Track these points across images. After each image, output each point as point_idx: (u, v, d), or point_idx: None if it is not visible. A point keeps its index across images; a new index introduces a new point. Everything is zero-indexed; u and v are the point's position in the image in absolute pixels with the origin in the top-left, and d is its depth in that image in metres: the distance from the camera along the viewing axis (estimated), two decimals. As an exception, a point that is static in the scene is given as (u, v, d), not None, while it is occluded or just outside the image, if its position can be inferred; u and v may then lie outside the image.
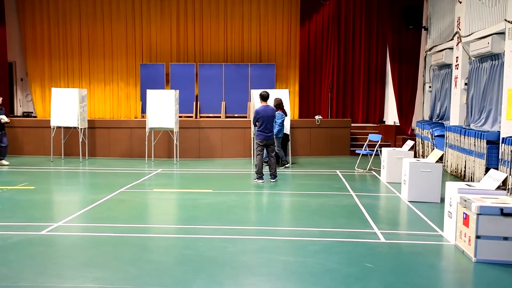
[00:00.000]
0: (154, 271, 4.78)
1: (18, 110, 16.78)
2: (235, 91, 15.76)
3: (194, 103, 15.79)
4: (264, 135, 9.70)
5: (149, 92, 12.82)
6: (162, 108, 12.64)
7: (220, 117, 15.55)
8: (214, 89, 15.79)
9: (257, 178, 9.79)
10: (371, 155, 11.68)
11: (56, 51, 16.47)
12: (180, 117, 13.97)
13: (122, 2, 16.32)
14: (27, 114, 16.37)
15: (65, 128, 13.29)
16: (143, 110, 15.29)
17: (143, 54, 16.47)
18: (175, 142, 12.97)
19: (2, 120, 11.85)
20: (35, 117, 16.31)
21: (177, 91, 13.13)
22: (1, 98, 12.24)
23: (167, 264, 4.99)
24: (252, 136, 12.70)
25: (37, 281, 4.52)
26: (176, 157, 12.99)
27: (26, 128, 14.11)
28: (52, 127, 13.05)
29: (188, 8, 16.26)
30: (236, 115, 15.66)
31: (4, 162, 12.02)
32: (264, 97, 9.82)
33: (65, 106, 12.86)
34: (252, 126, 12.26)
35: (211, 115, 15.70)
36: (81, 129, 12.98)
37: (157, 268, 4.86)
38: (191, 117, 15.52)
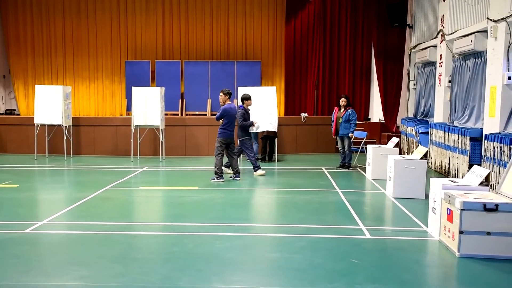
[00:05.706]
0: (140, 268, 4.76)
1: (1, 107, 16.53)
2: (221, 89, 15.62)
3: (180, 100, 15.72)
4: (228, 133, 9.73)
5: (135, 90, 12.74)
6: (148, 106, 12.57)
7: (206, 114, 15.51)
8: (200, 87, 15.72)
9: (217, 178, 9.63)
10: (357, 152, 11.77)
11: (39, 47, 16.23)
12: (165, 114, 13.91)
13: (107, -1, 16.17)
14: (10, 112, 16.13)
15: (49, 125, 13.14)
16: (128, 108, 15.20)
17: (128, 51, 16.31)
18: (160, 139, 12.91)
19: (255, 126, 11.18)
20: (19, 114, 16.09)
21: (163, 88, 13.07)
22: None
23: (153, 262, 4.97)
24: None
25: (21, 280, 4.47)
26: (162, 155, 12.93)
27: (9, 126, 13.92)
28: (36, 124, 12.90)
29: (173, 5, 16.16)
30: (222, 112, 15.59)
31: (260, 172, 10.44)
32: (229, 94, 9.90)
33: (49, 103, 12.71)
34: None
35: (197, 112, 15.64)
36: (66, 126, 12.84)
37: (144, 265, 4.85)
38: (177, 114, 15.45)
